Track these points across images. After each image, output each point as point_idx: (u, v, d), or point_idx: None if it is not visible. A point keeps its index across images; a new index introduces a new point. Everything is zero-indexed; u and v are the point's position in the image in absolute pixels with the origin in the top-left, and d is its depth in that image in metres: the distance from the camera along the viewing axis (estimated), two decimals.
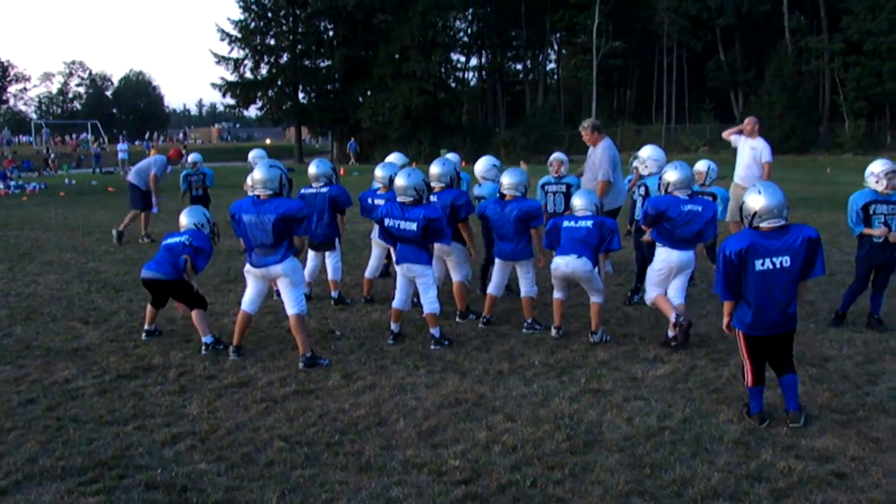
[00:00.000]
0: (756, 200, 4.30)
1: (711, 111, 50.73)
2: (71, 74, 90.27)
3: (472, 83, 60.13)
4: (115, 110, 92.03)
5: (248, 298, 5.82)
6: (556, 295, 6.25)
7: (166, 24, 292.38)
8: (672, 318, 5.87)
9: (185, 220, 6.45)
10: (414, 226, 5.90)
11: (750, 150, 9.61)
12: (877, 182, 6.27)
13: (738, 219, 8.23)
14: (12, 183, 24.97)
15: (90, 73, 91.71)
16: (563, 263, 5.98)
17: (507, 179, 6.45)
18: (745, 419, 4.48)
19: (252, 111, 58.31)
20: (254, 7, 51.16)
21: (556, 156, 8.80)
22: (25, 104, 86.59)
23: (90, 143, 51.32)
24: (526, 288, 6.50)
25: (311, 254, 7.56)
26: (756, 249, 4.26)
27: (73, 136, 61.04)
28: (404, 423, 4.52)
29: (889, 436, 4.25)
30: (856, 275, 6.61)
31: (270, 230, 5.44)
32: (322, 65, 54.30)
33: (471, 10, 54.96)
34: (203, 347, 5.99)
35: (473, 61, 59.63)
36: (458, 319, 6.86)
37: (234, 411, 4.76)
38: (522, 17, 54.16)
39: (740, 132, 9.84)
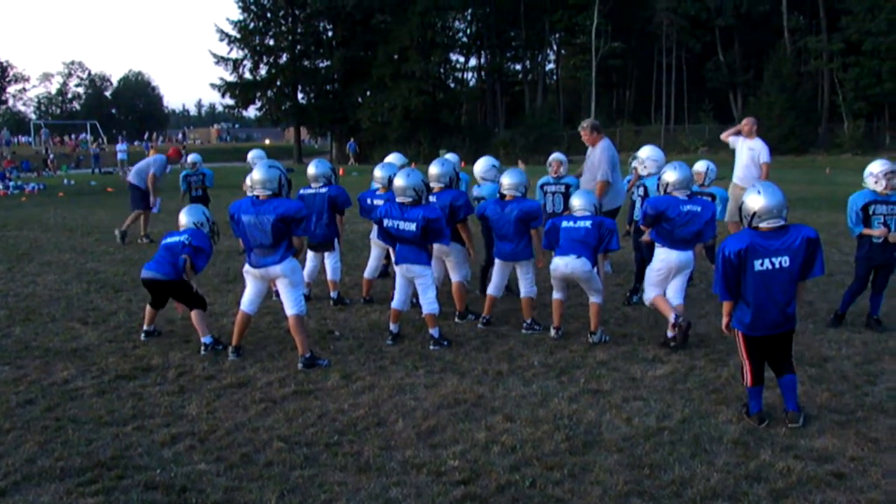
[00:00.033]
0: (755, 201, 4.30)
1: (710, 112, 50.75)
2: (70, 75, 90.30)
3: (471, 83, 60.15)
4: (114, 111, 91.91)
5: (248, 299, 5.82)
6: (556, 295, 6.25)
7: (165, 24, 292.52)
8: (671, 318, 5.88)
9: (184, 218, 6.44)
10: (413, 226, 5.90)
11: (748, 150, 9.62)
12: (876, 182, 6.27)
13: (737, 219, 8.24)
14: (11, 183, 24.97)
15: (89, 74, 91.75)
16: (562, 264, 5.98)
17: (507, 180, 6.45)
18: (744, 419, 4.48)
19: (251, 111, 58.43)
20: (253, 7, 51.18)
21: (555, 156, 8.81)
22: (24, 104, 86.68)
23: (89, 144, 51.31)
24: (526, 288, 6.50)
25: (310, 254, 7.56)
26: (755, 250, 4.26)
27: (73, 136, 61.01)
28: (403, 424, 4.52)
29: (888, 436, 4.25)
30: (855, 275, 6.61)
31: (269, 230, 5.44)
32: (321, 65, 54.33)
33: (470, 11, 54.97)
34: (202, 348, 5.99)
35: (472, 62, 59.76)
36: (457, 320, 6.86)
37: (234, 412, 4.76)
38: (521, 17, 54.16)
39: (738, 133, 9.84)
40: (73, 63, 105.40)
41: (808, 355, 5.67)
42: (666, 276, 5.99)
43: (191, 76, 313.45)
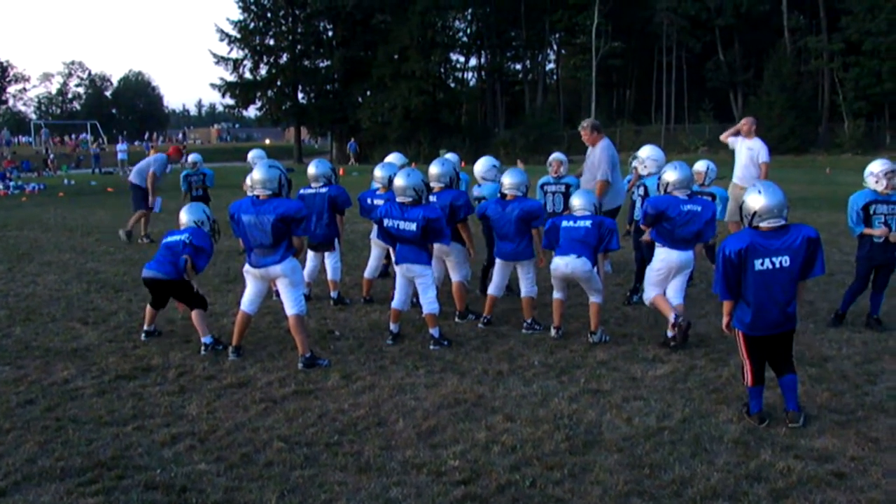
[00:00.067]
0: (756, 200, 4.30)
1: (711, 111, 50.74)
2: (70, 75, 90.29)
3: (471, 83, 60.16)
4: (114, 111, 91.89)
5: (248, 299, 5.81)
6: (556, 295, 6.25)
7: (166, 24, 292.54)
8: (671, 318, 5.87)
9: (184, 217, 6.43)
10: (413, 226, 5.90)
11: (747, 150, 9.61)
12: (876, 182, 6.27)
13: (737, 219, 8.23)
14: (11, 183, 24.97)
15: (89, 74, 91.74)
16: (562, 264, 5.98)
17: (509, 179, 6.45)
18: (744, 419, 4.48)
19: (251, 111, 58.47)
20: (253, 7, 51.20)
21: (556, 156, 8.82)
22: (25, 104, 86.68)
23: (89, 144, 51.30)
24: (526, 288, 6.50)
25: (310, 254, 7.56)
26: (756, 249, 4.26)
27: (73, 136, 61.01)
28: (403, 424, 4.52)
29: (888, 436, 4.25)
30: (856, 275, 6.61)
31: (269, 230, 5.44)
32: (321, 65, 54.36)
33: (470, 11, 54.97)
34: (202, 348, 5.99)
35: (473, 61, 59.76)
36: (457, 320, 6.86)
37: (234, 412, 4.76)
38: (522, 17, 54.15)
39: (738, 133, 9.83)
40: (73, 63, 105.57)
41: (808, 355, 5.67)
42: (666, 275, 5.99)
43: (191, 76, 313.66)
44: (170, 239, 6.26)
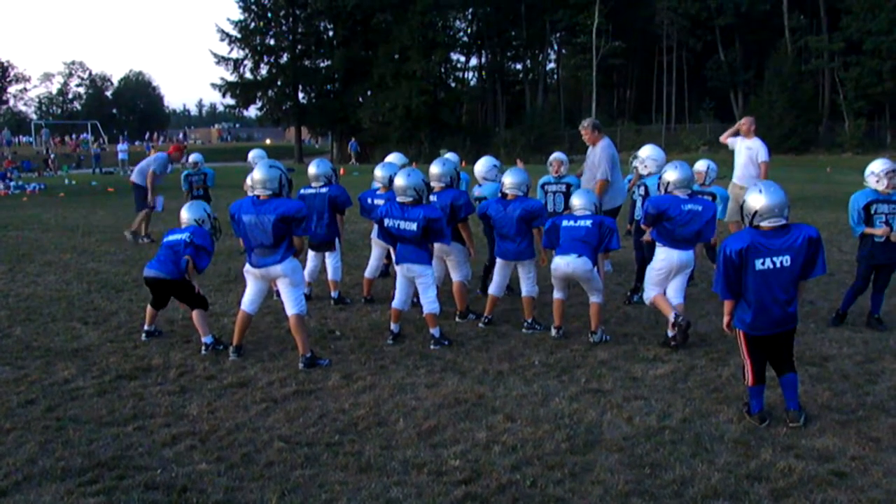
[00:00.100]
0: (757, 199, 4.29)
1: (711, 111, 50.77)
2: (71, 75, 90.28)
3: (471, 83, 60.16)
4: (114, 111, 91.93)
5: (248, 299, 5.81)
6: (556, 295, 6.25)
7: (166, 24, 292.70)
8: (671, 317, 5.87)
9: (185, 215, 6.41)
10: (414, 226, 5.90)
11: (746, 150, 9.60)
12: (877, 182, 6.27)
13: (737, 219, 8.23)
14: (12, 183, 24.97)
15: (90, 74, 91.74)
16: (563, 263, 5.98)
17: (510, 179, 6.45)
18: (745, 419, 4.48)
19: (252, 111, 58.57)
20: (254, 7, 51.25)
21: (556, 156, 8.82)
22: (25, 104, 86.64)
23: (90, 144, 51.31)
24: (527, 288, 6.50)
25: (310, 254, 7.56)
26: (756, 249, 4.26)
27: (73, 136, 61.03)
28: (404, 424, 4.52)
29: (889, 435, 4.25)
30: (857, 274, 6.60)
31: (270, 230, 5.44)
32: (322, 65, 54.41)
33: (470, 10, 54.99)
34: (203, 348, 5.99)
35: (473, 61, 59.79)
36: (457, 319, 6.86)
37: (234, 411, 4.76)
38: (522, 16, 54.17)
39: (737, 133, 9.82)
40: (73, 63, 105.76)
41: (808, 354, 5.67)
42: (666, 275, 5.98)
43: (191, 76, 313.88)
44: (171, 238, 6.25)
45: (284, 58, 52.41)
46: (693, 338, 6.08)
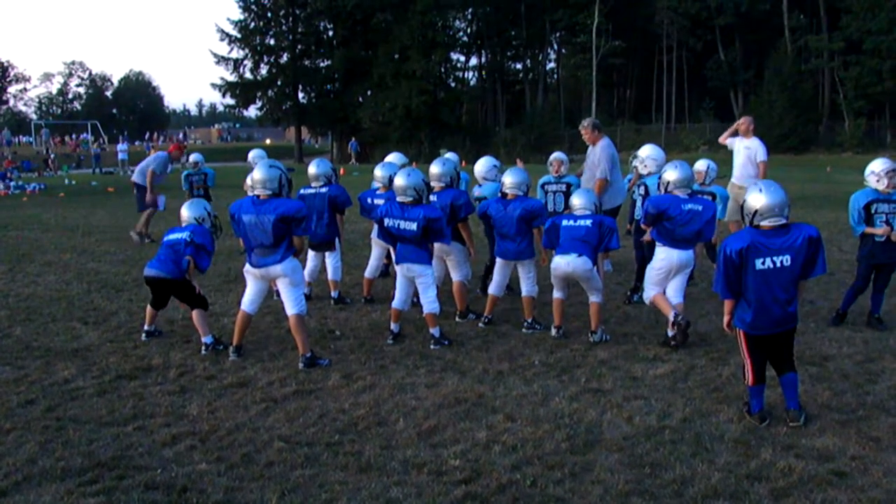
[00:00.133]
0: (757, 199, 4.29)
1: (711, 110, 50.77)
2: (71, 75, 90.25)
3: (471, 83, 60.17)
4: (114, 111, 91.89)
5: (248, 298, 5.81)
6: (556, 295, 6.25)
7: (166, 24, 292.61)
8: (670, 316, 5.87)
9: (185, 213, 6.39)
10: (414, 226, 5.90)
11: (745, 149, 9.59)
12: (878, 181, 6.27)
13: (737, 218, 8.23)
14: (12, 183, 24.97)
15: (90, 74, 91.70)
16: (563, 263, 5.98)
17: (510, 179, 6.45)
18: (745, 418, 4.48)
19: (252, 111, 58.55)
20: (254, 7, 51.25)
21: (556, 155, 8.82)
22: (25, 104, 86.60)
23: (90, 144, 51.30)
24: (527, 287, 6.50)
25: (310, 254, 7.56)
26: (757, 248, 4.26)
27: (73, 136, 61.02)
28: (404, 423, 4.52)
29: (889, 435, 4.25)
30: (857, 274, 6.60)
31: (270, 230, 5.44)
32: (322, 65, 54.43)
33: (470, 10, 54.98)
34: (203, 348, 5.99)
35: (473, 61, 59.79)
36: (457, 319, 6.86)
37: (234, 411, 4.76)
38: (522, 16, 54.17)
39: (736, 133, 9.82)
40: (73, 63, 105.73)
41: (809, 354, 5.67)
42: (666, 274, 5.98)
43: (191, 76, 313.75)
44: (171, 237, 6.23)
45: (284, 58, 52.42)
46: (693, 337, 6.08)
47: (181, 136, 78.88)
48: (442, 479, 3.79)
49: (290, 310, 5.63)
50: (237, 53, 51.82)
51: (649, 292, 6.08)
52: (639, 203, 7.63)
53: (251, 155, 10.36)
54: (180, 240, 6.12)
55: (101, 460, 4.05)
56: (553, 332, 6.28)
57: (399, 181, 5.98)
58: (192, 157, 12.86)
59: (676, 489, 3.66)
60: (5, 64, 75.76)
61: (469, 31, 57.55)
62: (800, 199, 16.42)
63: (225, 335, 6.31)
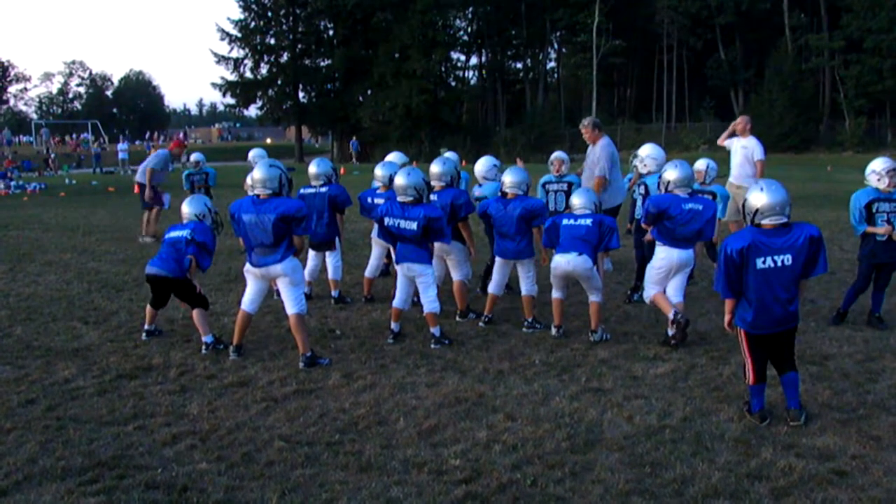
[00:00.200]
0: (758, 198, 4.29)
1: (712, 109, 50.73)
2: (71, 74, 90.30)
3: (472, 82, 60.14)
4: (115, 110, 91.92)
5: (248, 298, 5.81)
6: (555, 294, 6.25)
7: (166, 24, 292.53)
8: (670, 315, 5.87)
9: (186, 209, 6.35)
10: (414, 225, 5.89)
11: (742, 149, 9.59)
12: (878, 180, 6.26)
13: (736, 218, 8.22)
14: (13, 183, 24.96)
15: (90, 73, 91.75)
16: (563, 261, 5.98)
17: (510, 178, 6.45)
18: (745, 417, 4.48)
19: (252, 111, 58.52)
20: (254, 6, 51.23)
21: (557, 154, 8.82)
22: (26, 104, 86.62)
23: (90, 143, 51.30)
24: (526, 287, 6.49)
25: (311, 253, 7.56)
26: (757, 247, 4.25)
27: (74, 136, 61.03)
28: (404, 423, 4.52)
29: (890, 434, 4.24)
30: (858, 273, 6.60)
31: (270, 230, 5.44)
32: (322, 64, 54.42)
33: (471, 9, 54.96)
34: (203, 347, 5.99)
35: (473, 60, 59.75)
36: (458, 318, 6.86)
37: (235, 411, 4.76)
38: (522, 15, 54.15)
39: (733, 133, 9.81)
40: (74, 62, 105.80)
41: (809, 353, 5.66)
42: (666, 274, 5.98)
43: (192, 75, 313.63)
44: (172, 234, 6.22)
45: (285, 57, 52.40)
46: (693, 336, 6.08)
47: (181, 135, 78.90)
48: (442, 479, 3.79)
49: (291, 309, 5.63)
50: (237, 53, 51.88)
51: (649, 291, 6.08)
52: (639, 202, 7.63)
53: (251, 154, 10.36)
54: (181, 238, 6.12)
55: (101, 460, 4.05)
56: (553, 331, 6.28)
57: (399, 180, 5.97)
58: (194, 157, 12.88)
59: (677, 488, 3.66)
60: (5, 64, 75.85)
61: (469, 30, 57.54)
62: (800, 198, 16.42)
63: (225, 335, 6.31)
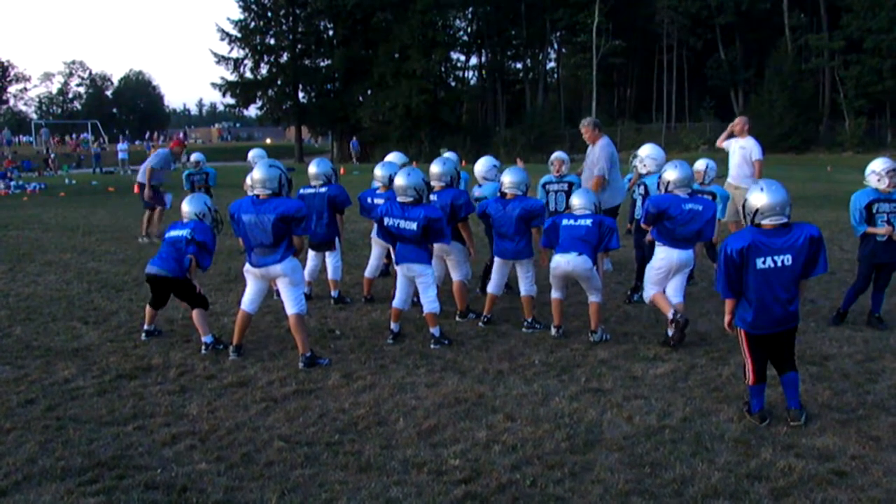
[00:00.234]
0: (758, 198, 4.29)
1: (711, 110, 50.73)
2: (71, 74, 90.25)
3: (472, 82, 60.15)
4: (115, 110, 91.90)
5: (248, 298, 5.81)
6: (555, 294, 6.24)
7: (166, 24, 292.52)
8: (669, 315, 5.87)
9: (186, 208, 6.34)
10: (414, 225, 5.89)
11: (740, 149, 9.59)
12: (878, 181, 6.26)
13: (735, 219, 8.21)
14: (12, 183, 24.95)
15: (90, 73, 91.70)
16: (563, 261, 5.98)
17: (509, 178, 6.45)
18: (745, 418, 4.48)
19: (252, 111, 58.52)
20: (254, 7, 51.23)
21: (558, 155, 8.82)
22: (26, 104, 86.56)
23: (90, 143, 51.29)
24: (525, 287, 6.49)
25: (310, 253, 7.56)
26: (757, 247, 4.25)
27: (74, 136, 61.02)
28: (404, 423, 4.52)
29: (889, 434, 4.24)
30: (858, 273, 6.60)
31: (270, 230, 5.43)
32: (322, 64, 54.42)
33: (470, 9, 54.95)
34: (203, 347, 5.99)
35: (473, 60, 59.75)
36: (457, 319, 6.86)
37: (234, 411, 4.76)
38: (522, 15, 54.14)
39: (732, 134, 9.82)
40: (73, 62, 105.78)
41: (809, 353, 5.66)
42: (666, 274, 5.98)
43: (192, 76, 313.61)
44: (172, 234, 6.22)
45: (284, 57, 52.40)
46: (693, 337, 6.08)
47: (181, 135, 78.89)
48: (442, 479, 3.79)
49: (290, 309, 5.63)
50: (237, 53, 51.88)
51: (649, 292, 6.08)
52: (639, 203, 7.63)
53: (251, 154, 10.36)
54: (181, 237, 6.11)
55: (101, 460, 4.05)
56: (553, 331, 6.28)
57: (399, 181, 5.97)
58: (194, 157, 12.89)
59: (676, 489, 3.66)
60: (5, 64, 75.80)
61: (469, 30, 57.54)
62: (800, 198, 16.42)
63: (225, 335, 6.31)
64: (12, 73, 77.79)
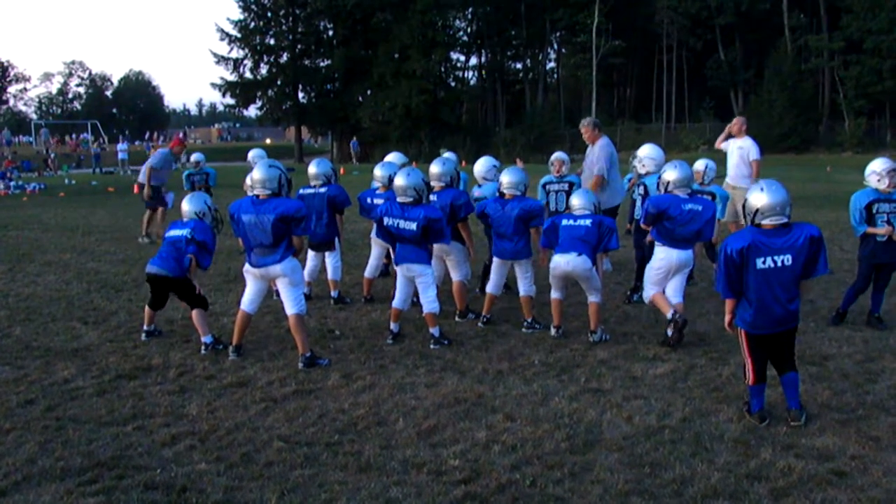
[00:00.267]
0: (759, 198, 4.29)
1: (711, 110, 50.75)
2: (71, 74, 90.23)
3: (471, 82, 60.15)
4: (114, 110, 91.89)
5: (248, 298, 5.81)
6: (554, 294, 6.24)
7: (166, 24, 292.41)
8: (668, 315, 5.87)
9: (186, 207, 6.33)
10: (413, 225, 5.89)
11: (738, 149, 9.60)
12: (878, 181, 6.26)
13: (734, 219, 8.22)
14: (12, 183, 24.95)
15: (90, 74, 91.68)
16: (563, 262, 5.98)
17: (507, 178, 6.45)
18: (744, 418, 4.48)
19: (252, 111, 58.51)
20: (253, 7, 51.23)
21: (558, 155, 8.82)
22: (25, 104, 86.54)
23: (90, 144, 51.28)
24: (525, 287, 6.49)
25: (310, 253, 7.56)
26: (757, 247, 4.25)
27: (73, 136, 61.00)
28: (404, 423, 4.52)
29: (889, 434, 4.24)
30: (858, 273, 6.60)
31: (270, 230, 5.43)
32: (322, 64, 54.41)
33: (470, 9, 54.96)
34: (202, 347, 5.99)
35: (473, 60, 59.75)
36: (457, 319, 6.86)
37: (234, 411, 4.76)
38: (522, 16, 54.15)
39: (730, 135, 9.82)
40: (73, 63, 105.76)
41: (809, 353, 5.66)
42: (666, 274, 5.98)
43: (191, 76, 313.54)
44: (172, 233, 6.21)
45: (284, 57, 52.40)
46: (693, 337, 6.08)
47: (181, 135, 78.78)
48: (441, 479, 3.79)
49: (290, 309, 5.63)
50: (237, 53, 51.87)
51: (649, 292, 6.08)
52: (638, 203, 7.63)
53: (251, 154, 10.36)
54: (181, 237, 6.11)
55: (100, 460, 4.05)
56: (552, 331, 6.28)
57: (399, 181, 5.97)
58: (194, 157, 12.89)
59: (676, 489, 3.66)
60: (5, 64, 75.80)
61: (469, 30, 57.55)
62: (800, 198, 16.41)
63: (225, 335, 6.31)
64: (12, 74, 77.84)
